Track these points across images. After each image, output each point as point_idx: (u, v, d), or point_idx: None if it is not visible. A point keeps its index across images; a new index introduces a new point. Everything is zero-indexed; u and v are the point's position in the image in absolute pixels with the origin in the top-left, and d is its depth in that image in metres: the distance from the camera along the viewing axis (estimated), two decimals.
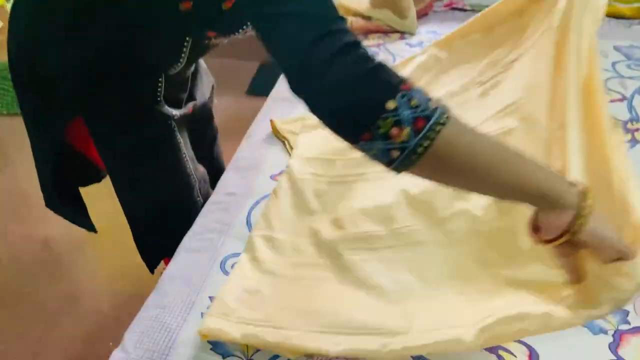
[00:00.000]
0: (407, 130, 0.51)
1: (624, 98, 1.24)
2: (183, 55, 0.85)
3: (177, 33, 0.81)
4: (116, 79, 0.84)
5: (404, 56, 1.45)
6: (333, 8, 0.55)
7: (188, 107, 0.98)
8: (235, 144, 1.17)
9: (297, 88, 0.56)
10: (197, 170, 1.03)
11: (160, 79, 0.87)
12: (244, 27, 0.81)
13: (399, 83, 0.52)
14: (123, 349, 0.75)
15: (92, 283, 1.72)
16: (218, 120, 1.27)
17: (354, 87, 0.51)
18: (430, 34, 1.58)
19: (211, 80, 1.15)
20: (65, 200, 1.02)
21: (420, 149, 0.52)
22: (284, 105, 1.27)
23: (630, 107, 1.20)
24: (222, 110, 1.58)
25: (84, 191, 1.11)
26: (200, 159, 1.08)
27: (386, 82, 0.52)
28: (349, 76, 0.51)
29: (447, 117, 0.52)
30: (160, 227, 1.00)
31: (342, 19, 0.55)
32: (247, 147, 1.16)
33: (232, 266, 0.87)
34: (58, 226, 1.07)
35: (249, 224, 0.95)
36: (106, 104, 0.86)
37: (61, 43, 0.79)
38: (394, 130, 0.51)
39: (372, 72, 0.52)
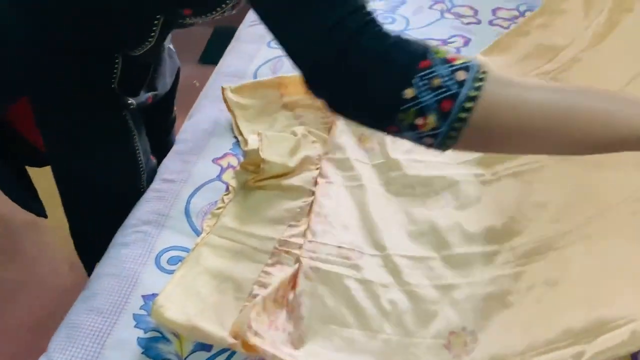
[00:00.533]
0: (432, 117, 0.46)
1: None
2: (152, 35, 0.77)
3: (149, 9, 0.74)
4: (69, 59, 0.77)
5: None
6: None
7: (147, 97, 0.91)
8: (183, 122, 1.10)
9: (316, 91, 0.51)
10: (148, 161, 0.96)
11: (116, 62, 0.80)
12: (222, 5, 0.74)
13: (416, 62, 0.46)
14: (47, 357, 0.70)
15: (45, 267, 1.64)
16: (179, 91, 1.19)
17: (368, 80, 0.47)
18: (385, 0, 1.51)
19: (176, 64, 1.06)
20: (10, 182, 0.94)
21: (453, 133, 0.46)
22: (230, 82, 1.20)
23: None
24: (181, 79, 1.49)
25: (40, 171, 1.02)
26: (153, 149, 1.01)
27: (401, 66, 0.46)
28: (362, 67, 0.47)
29: (480, 86, 0.45)
30: (101, 221, 0.94)
31: None
32: (189, 127, 1.09)
33: (169, 261, 0.83)
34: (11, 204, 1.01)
35: (187, 214, 0.90)
36: (56, 86, 0.79)
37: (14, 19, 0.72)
38: (419, 120, 0.46)
39: (385, 57, 0.47)
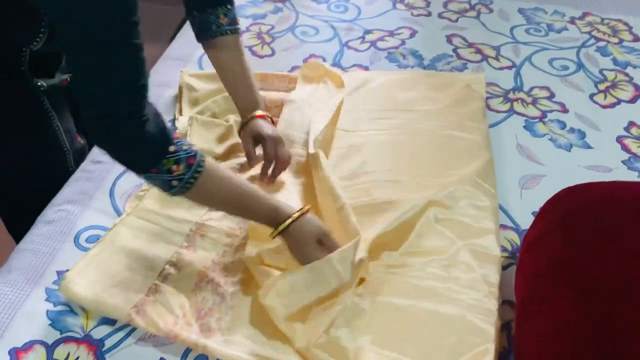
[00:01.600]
0: (183, 165, 0.70)
1: (513, 65, 1.24)
2: (42, 32, 0.79)
3: (31, 11, 0.76)
4: None
5: (310, 14, 1.42)
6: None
7: (61, 79, 0.93)
8: None
9: (94, 139, 0.70)
10: (73, 142, 0.98)
11: (23, 50, 0.82)
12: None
13: (172, 132, 0.70)
14: None
15: None
16: None
17: (143, 142, 0.68)
18: None
19: None
20: None
21: (192, 180, 0.71)
22: (174, 66, 1.23)
23: (517, 76, 1.21)
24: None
25: None
26: (85, 131, 1.03)
27: (166, 132, 0.69)
28: (137, 135, 0.67)
29: (204, 160, 0.72)
30: (27, 199, 0.97)
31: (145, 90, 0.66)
32: None
33: (87, 240, 0.86)
34: None
35: (112, 195, 0.94)
36: None
37: None
38: (174, 167, 0.69)
39: (153, 127, 0.67)
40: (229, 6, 0.92)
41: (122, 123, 0.66)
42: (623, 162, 1.01)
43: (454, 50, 1.28)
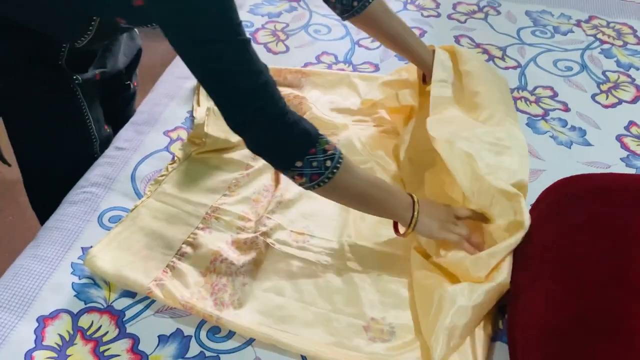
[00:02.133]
0: (305, 179, 0.74)
1: (518, 66, 1.28)
2: (89, 32, 0.85)
3: (84, 11, 0.82)
4: (18, 38, 0.84)
5: (321, 13, 1.47)
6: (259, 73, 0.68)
7: (94, 73, 0.99)
8: None
9: (236, 132, 0.73)
10: (101, 130, 1.05)
11: (63, 47, 0.88)
12: (154, 24, 0.81)
13: (308, 148, 0.73)
14: None
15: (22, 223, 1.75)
16: (157, 68, 1.26)
17: (278, 151, 0.74)
18: None
19: (137, 45, 1.14)
20: None
21: (314, 190, 0.75)
22: None
23: (522, 76, 1.25)
24: (162, 57, 1.56)
25: None
26: (111, 119, 1.10)
27: (300, 148, 0.73)
28: (269, 133, 0.72)
29: (335, 172, 0.74)
30: (54, 180, 1.03)
31: (268, 84, 0.69)
32: (149, 101, 1.18)
33: (110, 220, 0.92)
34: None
35: (133, 179, 0.99)
36: (8, 58, 0.87)
37: None
38: (297, 178, 0.74)
39: (291, 140, 0.72)
40: None
41: (258, 125, 0.70)
42: (622, 159, 1.05)
43: None
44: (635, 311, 0.59)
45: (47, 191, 1.02)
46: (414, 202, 0.80)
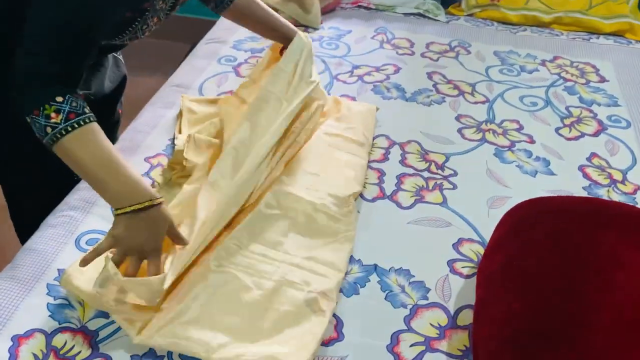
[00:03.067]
0: (62, 116, 0.75)
1: (487, 100, 1.35)
2: None
3: None
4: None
5: None
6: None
7: (79, 93, 1.02)
8: None
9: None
10: None
11: None
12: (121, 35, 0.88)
13: (72, 91, 0.77)
14: None
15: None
16: (142, 100, 1.32)
17: (39, 84, 0.77)
18: (333, 29, 1.66)
19: (122, 72, 1.18)
20: None
21: (62, 132, 0.76)
22: (177, 91, 1.33)
23: (490, 110, 1.32)
24: (147, 90, 1.62)
25: None
26: None
27: (62, 87, 0.77)
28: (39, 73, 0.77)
29: (89, 120, 0.77)
30: (37, 204, 1.05)
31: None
32: (132, 129, 1.22)
33: (87, 242, 0.94)
34: None
35: None
36: None
37: None
38: (53, 114, 0.75)
39: (58, 79, 0.77)
40: None
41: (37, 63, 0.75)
42: (583, 188, 1.10)
43: (434, 86, 1.39)
44: (589, 322, 0.62)
45: (29, 214, 1.03)
46: (155, 202, 0.79)
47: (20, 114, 0.77)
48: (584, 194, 1.09)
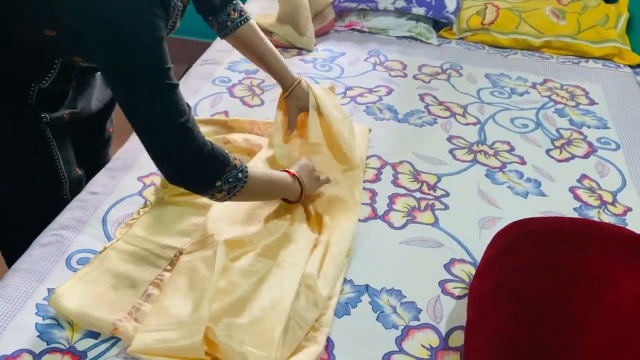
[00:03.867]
0: (223, 193, 0.85)
1: (478, 122, 1.37)
2: (52, 72, 0.91)
3: (45, 53, 0.88)
4: None
5: (297, 71, 1.55)
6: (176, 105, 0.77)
7: (63, 113, 1.02)
8: None
9: (159, 165, 0.83)
10: (71, 172, 1.07)
11: (32, 85, 0.93)
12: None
13: (225, 169, 0.84)
14: None
15: None
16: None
17: (198, 178, 0.84)
18: (327, 51, 1.68)
19: (110, 92, 1.18)
20: None
21: (231, 198, 0.87)
22: None
23: (481, 131, 1.34)
24: None
25: None
26: (85, 163, 1.12)
27: (217, 171, 0.83)
28: (192, 164, 0.82)
29: (245, 182, 0.86)
30: (23, 222, 1.04)
31: (189, 122, 0.78)
32: (126, 148, 1.22)
33: (78, 262, 0.93)
34: None
35: (104, 222, 1.01)
36: None
37: None
38: (217, 194, 0.85)
39: (207, 167, 0.83)
40: (234, 2, 1.09)
41: (180, 158, 0.79)
42: (574, 209, 1.11)
43: (426, 107, 1.41)
44: (579, 343, 0.62)
45: (16, 232, 1.03)
46: (296, 177, 0.99)
47: (207, 189, 0.84)
48: (575, 215, 1.10)
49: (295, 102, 1.14)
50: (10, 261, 1.04)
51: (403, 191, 1.13)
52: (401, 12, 1.79)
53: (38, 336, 0.81)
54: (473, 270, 0.94)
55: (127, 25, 0.72)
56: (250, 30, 1.10)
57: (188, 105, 0.80)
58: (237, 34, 1.09)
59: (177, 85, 0.77)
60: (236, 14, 1.08)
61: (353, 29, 1.81)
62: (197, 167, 0.82)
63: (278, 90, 1.44)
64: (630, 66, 1.69)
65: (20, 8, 0.83)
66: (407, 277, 0.94)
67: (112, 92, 0.81)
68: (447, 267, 0.96)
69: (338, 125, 1.13)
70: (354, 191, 1.08)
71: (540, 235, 0.78)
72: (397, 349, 0.82)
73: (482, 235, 1.03)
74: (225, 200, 0.86)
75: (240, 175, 0.85)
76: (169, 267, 0.93)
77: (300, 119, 1.17)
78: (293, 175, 0.99)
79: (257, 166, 1.09)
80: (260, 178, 0.92)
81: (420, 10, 1.76)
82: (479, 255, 0.97)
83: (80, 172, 1.08)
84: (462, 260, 0.97)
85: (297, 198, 1.01)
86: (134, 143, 1.23)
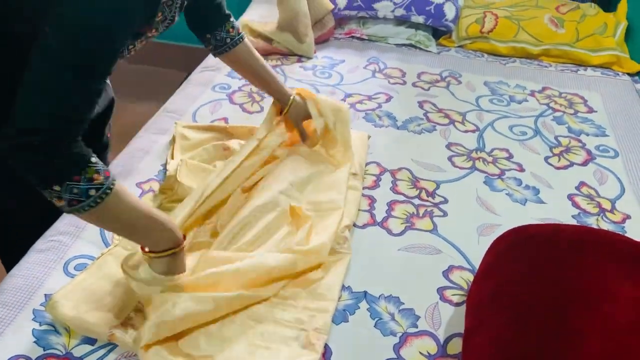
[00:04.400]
0: (102, 176, 0.73)
1: (477, 129, 1.37)
2: None
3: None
4: None
5: (297, 78, 1.56)
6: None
7: None
8: None
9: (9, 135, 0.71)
10: None
11: None
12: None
13: (72, 175, 0.72)
14: None
15: None
16: (135, 126, 1.33)
17: (42, 166, 0.72)
18: (326, 59, 1.69)
19: (109, 95, 1.18)
20: None
21: (108, 190, 0.74)
22: (170, 117, 1.35)
23: (480, 138, 1.34)
24: (140, 116, 1.63)
25: None
26: None
27: (62, 173, 0.72)
28: (44, 159, 0.71)
29: (99, 201, 0.73)
30: (22, 224, 1.04)
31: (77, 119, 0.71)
32: (124, 155, 1.22)
33: (75, 268, 0.93)
34: None
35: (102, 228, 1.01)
36: None
37: None
38: (95, 175, 0.73)
39: (61, 156, 0.72)
40: (230, 19, 1.08)
41: (37, 142, 0.69)
42: (573, 216, 1.11)
43: (425, 114, 1.42)
44: (578, 350, 0.62)
45: (15, 234, 1.03)
46: (179, 242, 0.83)
47: (40, 185, 0.72)
48: (574, 222, 1.10)
49: (297, 112, 1.15)
50: (8, 265, 1.04)
51: (402, 198, 1.13)
52: (400, 20, 1.80)
53: (35, 342, 0.81)
54: (471, 277, 0.94)
55: (99, 17, 0.68)
56: (246, 49, 1.10)
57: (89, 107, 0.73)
58: (234, 51, 1.09)
59: (99, 91, 0.72)
60: (234, 31, 1.08)
61: (353, 37, 1.82)
62: (45, 158, 0.70)
63: None
64: (628, 74, 1.69)
65: (20, 8, 0.82)
66: (406, 284, 0.94)
67: (31, 62, 0.71)
68: (446, 273, 0.96)
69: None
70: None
71: (539, 242, 0.78)
72: (395, 356, 0.81)
73: (480, 242, 1.03)
74: (67, 212, 0.75)
75: (93, 192, 0.72)
76: None
77: (305, 125, 1.19)
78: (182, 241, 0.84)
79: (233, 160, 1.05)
80: (126, 207, 0.77)
81: (420, 19, 1.76)
82: (477, 262, 0.97)
83: None
84: (460, 267, 0.97)
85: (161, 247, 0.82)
86: (132, 150, 1.23)
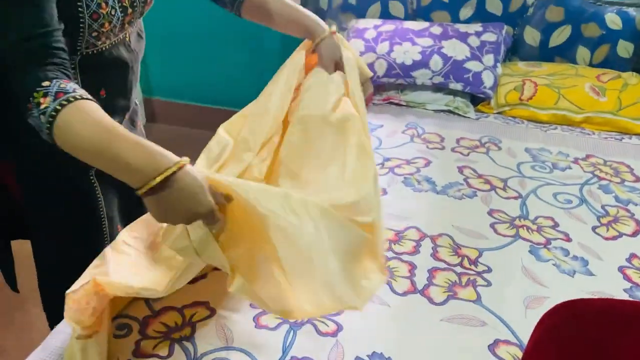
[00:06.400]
0: (50, 98, 0.69)
1: (519, 196, 1.35)
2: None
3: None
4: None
5: None
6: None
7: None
8: None
9: None
10: (114, 230, 1.08)
11: None
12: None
13: (60, 76, 0.72)
14: None
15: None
16: None
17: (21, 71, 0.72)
18: None
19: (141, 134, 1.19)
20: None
21: (53, 112, 0.69)
22: None
23: (523, 205, 1.31)
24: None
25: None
26: (128, 218, 1.14)
27: (47, 71, 0.72)
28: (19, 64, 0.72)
29: (81, 97, 0.70)
30: (66, 282, 1.06)
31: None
32: None
33: (116, 327, 0.94)
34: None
35: None
36: (30, 146, 0.89)
37: None
38: (42, 100, 0.70)
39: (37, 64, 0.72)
40: None
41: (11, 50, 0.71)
42: (625, 290, 1.06)
43: (465, 180, 1.41)
44: None
45: (58, 293, 1.04)
46: (183, 167, 0.68)
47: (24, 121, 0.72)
48: (625, 296, 1.04)
49: (332, 51, 1.02)
50: (51, 317, 1.05)
51: (443, 265, 1.10)
52: (438, 87, 1.83)
53: None
54: (519, 353, 0.90)
55: None
56: None
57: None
58: (252, 2, 1.04)
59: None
60: None
61: (391, 102, 1.86)
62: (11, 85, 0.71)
63: None
64: None
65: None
66: (449, 357, 0.90)
67: None
68: (492, 348, 0.91)
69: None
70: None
71: (591, 318, 0.74)
72: None
73: (527, 315, 0.98)
74: (45, 136, 0.70)
75: (57, 95, 0.68)
76: None
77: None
78: (177, 162, 0.69)
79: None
80: (93, 117, 0.69)
81: (458, 86, 1.80)
82: (525, 337, 0.92)
83: (121, 230, 1.10)
84: (507, 342, 0.92)
85: (140, 184, 0.68)
86: None
